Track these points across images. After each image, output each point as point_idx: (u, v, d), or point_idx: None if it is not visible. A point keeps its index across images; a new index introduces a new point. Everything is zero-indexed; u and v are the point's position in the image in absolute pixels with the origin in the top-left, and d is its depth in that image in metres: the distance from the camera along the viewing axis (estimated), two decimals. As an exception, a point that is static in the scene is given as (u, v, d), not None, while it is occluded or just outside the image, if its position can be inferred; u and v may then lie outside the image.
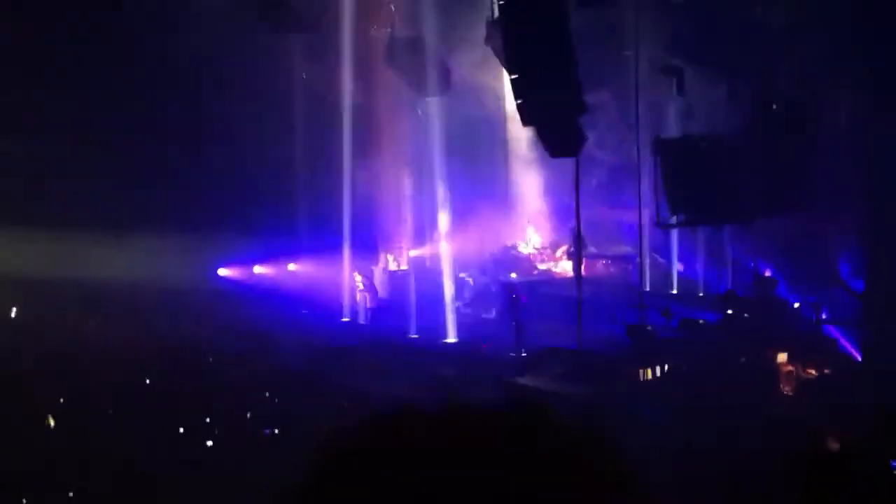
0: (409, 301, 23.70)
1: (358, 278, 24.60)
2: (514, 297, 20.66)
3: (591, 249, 24.53)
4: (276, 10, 22.45)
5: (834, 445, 13.70)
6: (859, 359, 18.07)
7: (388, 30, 25.25)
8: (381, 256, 26.92)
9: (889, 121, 16.66)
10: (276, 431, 14.31)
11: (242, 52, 23.28)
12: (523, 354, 19.21)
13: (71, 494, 11.57)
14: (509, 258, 26.76)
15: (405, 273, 26.62)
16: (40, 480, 11.96)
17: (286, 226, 25.42)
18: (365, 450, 1.69)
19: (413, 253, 27.55)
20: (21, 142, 22.17)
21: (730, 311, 19.12)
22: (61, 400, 15.12)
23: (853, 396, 15.53)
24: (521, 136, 26.55)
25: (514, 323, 20.21)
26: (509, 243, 27.59)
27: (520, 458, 1.66)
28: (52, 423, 14.58)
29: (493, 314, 24.00)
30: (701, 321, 19.39)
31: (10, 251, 21.75)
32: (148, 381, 16.95)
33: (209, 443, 14.15)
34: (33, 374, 16.45)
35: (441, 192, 25.29)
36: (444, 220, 25.40)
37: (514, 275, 25.02)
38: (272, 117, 25.01)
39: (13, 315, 22.49)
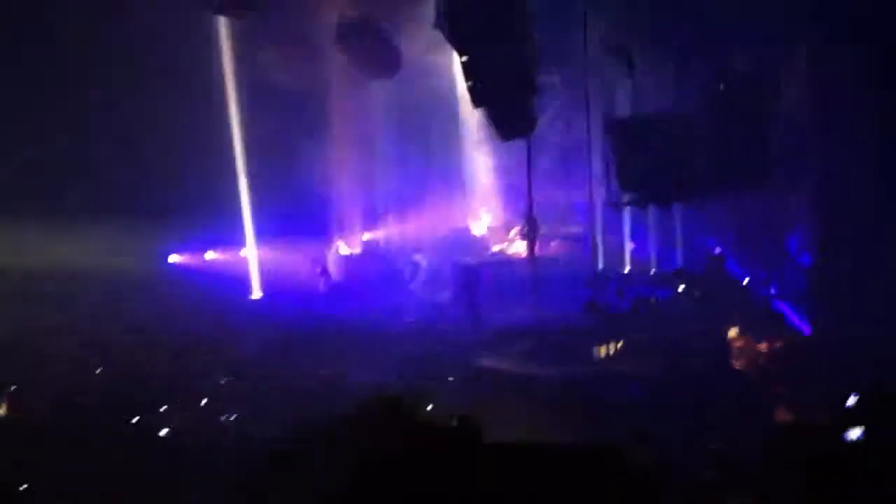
0: (363, 283, 23.61)
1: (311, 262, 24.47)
2: (469, 278, 20.69)
3: (544, 230, 24.61)
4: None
5: (785, 417, 14.00)
6: (808, 332, 18.40)
7: (337, 11, 24.98)
8: (334, 240, 26.79)
9: (840, 97, 16.92)
10: (233, 418, 14.21)
11: (187, 34, 22.89)
12: (479, 334, 19.25)
13: (24, 486, 11.37)
14: (462, 239, 26.78)
15: (359, 256, 26.55)
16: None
17: (237, 210, 25.12)
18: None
19: (366, 236, 27.45)
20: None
21: (681, 289, 19.34)
22: (12, 388, 14.84)
23: (803, 370, 15.84)
24: (471, 117, 26.54)
25: (469, 304, 20.26)
26: (462, 224, 27.61)
27: None
28: (2, 411, 14.35)
29: (446, 296, 24.01)
30: (653, 299, 19.58)
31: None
32: (98, 371, 16.71)
33: (163, 431, 13.99)
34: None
35: (392, 174, 25.25)
36: (395, 202, 25.35)
37: (468, 257, 25.06)
38: (218, 101, 24.67)
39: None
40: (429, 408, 14.12)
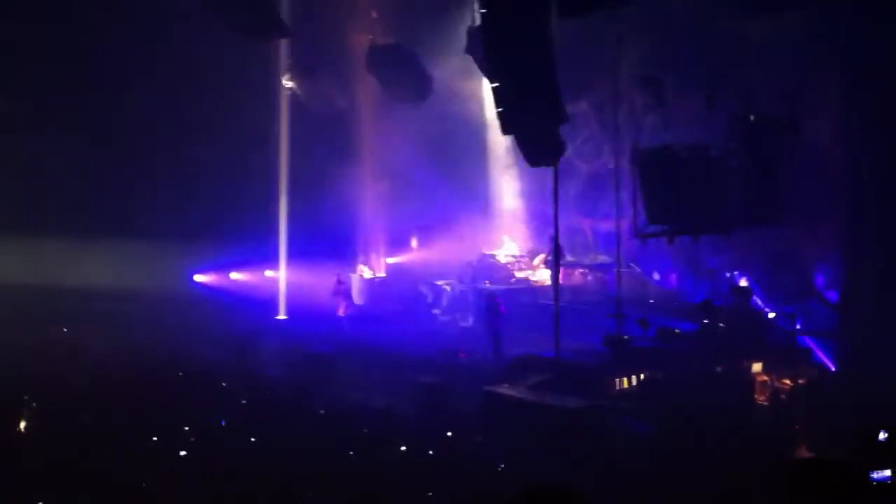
0: (385, 308, 23.61)
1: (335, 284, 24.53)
2: (492, 305, 20.64)
3: (569, 258, 24.54)
4: (255, 15, 22.35)
5: (806, 454, 13.81)
6: (834, 369, 18.19)
7: (370, 37, 25.23)
8: (359, 263, 26.87)
9: (866, 134, 16.82)
10: (252, 439, 14.18)
11: (221, 58, 23.17)
12: (501, 362, 19.19)
13: (40, 504, 11.39)
14: (487, 266, 26.74)
15: (382, 280, 26.59)
16: (8, 487, 11.78)
17: (262, 232, 25.31)
18: None
19: (390, 260, 27.51)
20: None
21: (706, 321, 19.16)
22: (34, 404, 14.92)
23: (827, 406, 15.62)
24: (500, 143, 26.61)
25: (492, 331, 20.20)
26: (487, 251, 27.59)
27: None
28: (23, 426, 14.39)
29: (470, 322, 23.98)
30: (677, 331, 19.41)
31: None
32: (119, 389, 16.75)
33: (183, 452, 13.99)
34: (4, 377, 16.26)
35: (418, 198, 25.36)
36: (421, 227, 25.43)
37: (487, 283, 25.03)
38: (251, 122, 24.92)
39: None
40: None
